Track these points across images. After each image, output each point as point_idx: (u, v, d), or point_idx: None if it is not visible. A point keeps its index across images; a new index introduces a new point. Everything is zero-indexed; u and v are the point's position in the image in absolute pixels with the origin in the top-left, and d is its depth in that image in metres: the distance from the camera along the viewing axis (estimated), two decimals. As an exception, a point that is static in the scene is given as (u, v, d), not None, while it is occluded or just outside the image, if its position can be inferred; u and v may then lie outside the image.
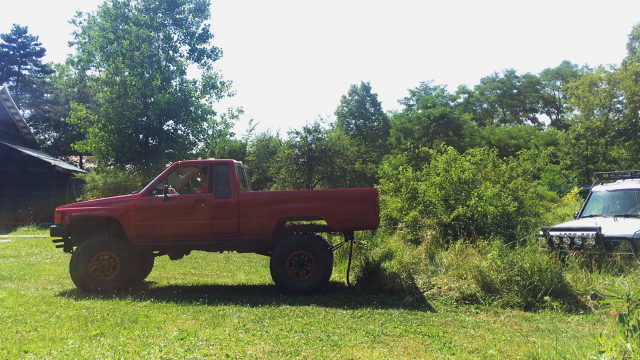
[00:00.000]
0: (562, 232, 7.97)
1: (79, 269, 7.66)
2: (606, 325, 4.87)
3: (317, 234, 8.33)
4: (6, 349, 4.58)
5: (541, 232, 8.44)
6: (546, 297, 6.43)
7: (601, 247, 7.35)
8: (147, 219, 7.86)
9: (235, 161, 8.31)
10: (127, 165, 23.75)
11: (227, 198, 7.86)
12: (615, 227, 7.78)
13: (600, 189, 9.65)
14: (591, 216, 9.01)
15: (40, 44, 45.02)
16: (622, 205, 8.93)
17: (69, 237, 8.13)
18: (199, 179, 8.86)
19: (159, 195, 7.95)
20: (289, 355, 4.46)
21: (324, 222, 8.25)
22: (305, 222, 9.19)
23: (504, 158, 12.59)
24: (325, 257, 7.69)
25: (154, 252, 8.52)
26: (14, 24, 46.49)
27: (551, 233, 8.12)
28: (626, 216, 8.32)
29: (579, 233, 7.68)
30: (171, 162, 24.25)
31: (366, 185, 26.77)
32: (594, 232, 7.45)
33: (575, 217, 9.68)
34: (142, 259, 8.60)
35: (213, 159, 9.05)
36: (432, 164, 12.23)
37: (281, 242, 7.76)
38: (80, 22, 41.22)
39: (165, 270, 10.37)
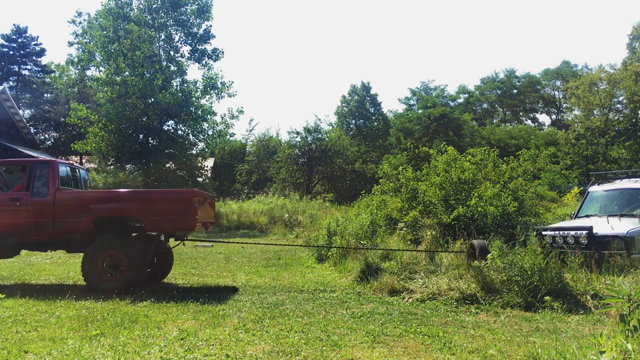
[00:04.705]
0: (555, 232, 7.99)
1: None
2: (606, 325, 4.86)
3: (133, 234, 8.22)
4: (6, 349, 4.57)
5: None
6: (546, 297, 6.42)
7: (594, 246, 7.36)
8: None
9: (60, 161, 8.31)
10: (127, 166, 23.70)
11: (43, 197, 7.84)
12: (609, 226, 7.82)
13: (596, 189, 9.65)
14: (587, 216, 9.03)
15: (40, 44, 45.08)
16: (619, 205, 8.93)
17: None
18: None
19: None
20: (289, 355, 4.45)
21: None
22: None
23: (504, 158, 12.58)
24: (138, 258, 7.68)
25: None
26: (14, 24, 46.55)
27: (544, 233, 8.12)
28: (622, 215, 8.33)
29: (572, 232, 7.71)
30: (172, 162, 24.26)
31: (366, 185, 26.71)
32: (586, 232, 7.49)
33: (571, 218, 9.67)
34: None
35: (34, 158, 8.86)
36: (432, 164, 12.24)
37: (94, 242, 7.76)
38: (81, 22, 41.31)
39: (165, 270, 10.36)
